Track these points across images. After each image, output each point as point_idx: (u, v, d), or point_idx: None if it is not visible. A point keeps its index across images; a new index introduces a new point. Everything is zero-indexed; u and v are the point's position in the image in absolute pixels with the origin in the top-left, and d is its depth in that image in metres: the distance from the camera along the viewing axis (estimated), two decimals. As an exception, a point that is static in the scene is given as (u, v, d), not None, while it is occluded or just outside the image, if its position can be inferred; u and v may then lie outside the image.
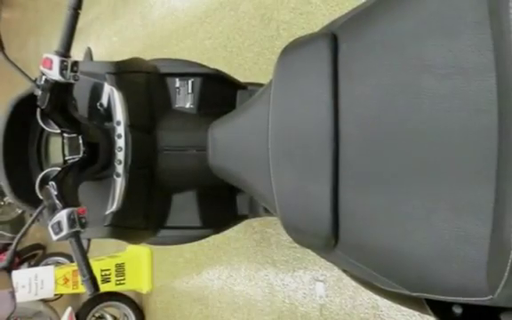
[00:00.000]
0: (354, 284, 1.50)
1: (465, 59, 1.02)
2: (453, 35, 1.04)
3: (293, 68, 1.40)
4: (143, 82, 1.73)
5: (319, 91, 1.29)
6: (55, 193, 1.38)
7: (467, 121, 1.02)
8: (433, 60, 1.07)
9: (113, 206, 1.61)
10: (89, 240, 1.64)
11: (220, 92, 1.87)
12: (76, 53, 1.44)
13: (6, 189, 1.60)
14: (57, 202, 1.36)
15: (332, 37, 1.32)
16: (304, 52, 1.39)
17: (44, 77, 1.39)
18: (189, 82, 1.80)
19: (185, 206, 1.82)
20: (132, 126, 1.62)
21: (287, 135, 1.37)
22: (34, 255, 5.00)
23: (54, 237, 1.35)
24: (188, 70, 1.82)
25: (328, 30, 1.36)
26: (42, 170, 1.61)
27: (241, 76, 1.93)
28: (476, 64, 1.00)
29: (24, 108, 1.58)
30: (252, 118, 1.54)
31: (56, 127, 1.52)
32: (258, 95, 1.57)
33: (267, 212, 1.86)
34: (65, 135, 1.53)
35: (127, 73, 1.68)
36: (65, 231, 1.33)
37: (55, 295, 3.89)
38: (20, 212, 4.56)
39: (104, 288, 3.53)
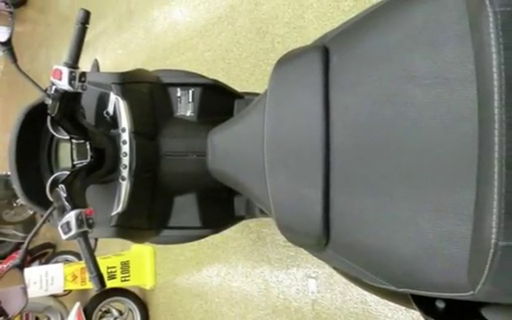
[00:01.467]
0: (344, 280, 1.50)
1: (448, 70, 1.02)
2: (437, 47, 1.05)
3: (287, 79, 1.40)
4: (146, 91, 1.73)
5: (311, 100, 1.29)
6: (64, 195, 1.38)
7: (449, 128, 1.02)
8: (418, 71, 1.07)
9: (118, 208, 1.61)
10: (96, 239, 1.64)
11: (219, 101, 1.87)
12: (84, 65, 1.44)
13: (19, 192, 1.60)
14: (66, 204, 1.36)
15: (324, 50, 1.32)
16: (297, 64, 1.39)
17: (54, 87, 1.39)
18: (190, 91, 1.80)
19: (186, 208, 1.82)
20: (136, 133, 1.62)
21: (281, 141, 1.36)
22: (44, 253, 4.99)
23: (63, 237, 1.35)
24: (189, 81, 1.82)
25: (320, 43, 1.36)
26: (52, 173, 1.61)
27: (238, 86, 1.93)
28: (458, 75, 1.00)
29: (35, 115, 1.57)
30: (249, 125, 1.54)
31: (65, 134, 1.52)
32: (254, 104, 1.57)
33: (262, 213, 1.86)
34: (73, 141, 1.53)
35: (131, 83, 1.68)
36: (73, 231, 1.33)
37: (64, 291, 3.89)
38: (31, 213, 4.55)
39: (110, 284, 3.53)
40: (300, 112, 1.33)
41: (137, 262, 3.76)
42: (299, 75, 1.37)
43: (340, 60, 1.28)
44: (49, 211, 1.47)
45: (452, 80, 1.02)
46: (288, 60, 1.43)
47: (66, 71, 1.37)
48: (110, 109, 1.64)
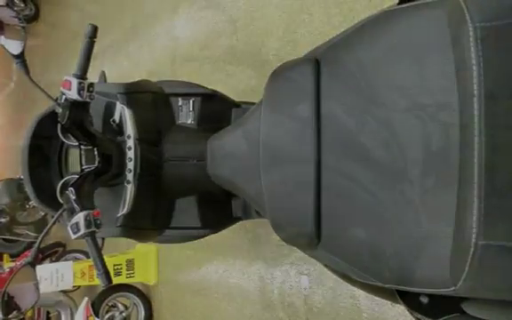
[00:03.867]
0: (334, 277, 1.49)
1: (431, 81, 1.02)
2: (421, 60, 1.05)
3: (281, 89, 1.41)
4: (150, 101, 1.73)
5: (303, 108, 1.29)
6: (73, 197, 1.38)
7: (433, 135, 1.02)
8: (403, 82, 1.08)
9: (124, 209, 1.61)
10: (103, 239, 1.63)
11: (218, 110, 1.86)
12: (92, 76, 1.44)
13: (31, 195, 1.59)
14: (75, 205, 1.36)
15: (315, 62, 1.32)
16: (290, 75, 1.40)
17: (63, 97, 1.39)
18: (191, 101, 1.80)
19: (187, 209, 1.81)
20: (140, 140, 1.62)
21: (275, 146, 1.37)
22: (55, 252, 4.97)
23: (73, 236, 1.34)
24: (190, 91, 1.82)
25: (311, 56, 1.36)
26: (62, 177, 1.61)
27: (235, 96, 1.93)
28: (440, 85, 1.00)
29: (46, 123, 1.57)
30: (245, 132, 1.54)
31: (74, 140, 1.52)
32: (250, 112, 1.57)
33: (258, 214, 1.86)
34: (82, 147, 1.53)
35: (136, 93, 1.68)
36: (82, 231, 1.33)
37: (73, 287, 3.90)
38: (43, 214, 4.53)
39: (116, 280, 3.52)
40: (292, 119, 1.33)
41: (141, 260, 3.76)
42: (292, 85, 1.37)
43: (330, 72, 1.28)
44: (59, 212, 1.47)
45: (434, 90, 1.02)
46: (282, 72, 1.43)
47: (75, 82, 1.37)
48: (116, 117, 1.64)
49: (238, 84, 2.97)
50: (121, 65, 4.46)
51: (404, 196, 1.09)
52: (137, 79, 1.73)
